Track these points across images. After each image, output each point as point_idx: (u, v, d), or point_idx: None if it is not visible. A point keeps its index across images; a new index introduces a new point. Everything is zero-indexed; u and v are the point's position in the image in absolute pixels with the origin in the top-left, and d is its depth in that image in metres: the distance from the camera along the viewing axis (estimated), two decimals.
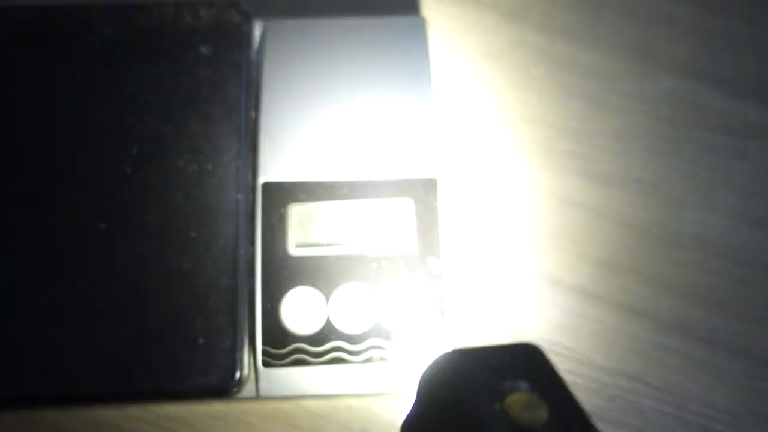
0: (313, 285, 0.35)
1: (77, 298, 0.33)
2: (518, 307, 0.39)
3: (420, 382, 0.23)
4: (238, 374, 0.33)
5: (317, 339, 0.34)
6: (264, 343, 0.34)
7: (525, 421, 0.20)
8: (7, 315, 0.33)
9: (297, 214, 0.36)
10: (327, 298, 0.35)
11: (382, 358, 0.34)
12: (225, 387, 0.33)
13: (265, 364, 0.34)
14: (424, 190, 0.36)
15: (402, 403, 0.24)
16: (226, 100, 0.37)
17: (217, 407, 0.36)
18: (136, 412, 0.36)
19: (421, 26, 0.40)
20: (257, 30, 0.40)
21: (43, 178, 0.35)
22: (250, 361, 0.34)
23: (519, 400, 0.20)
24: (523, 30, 0.45)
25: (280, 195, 0.36)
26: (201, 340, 0.33)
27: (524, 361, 0.22)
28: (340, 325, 0.34)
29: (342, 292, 0.35)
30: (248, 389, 0.34)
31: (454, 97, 0.43)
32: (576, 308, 0.39)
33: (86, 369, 0.33)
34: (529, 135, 0.42)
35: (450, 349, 0.23)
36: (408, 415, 0.24)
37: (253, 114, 0.38)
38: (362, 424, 0.36)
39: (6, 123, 0.36)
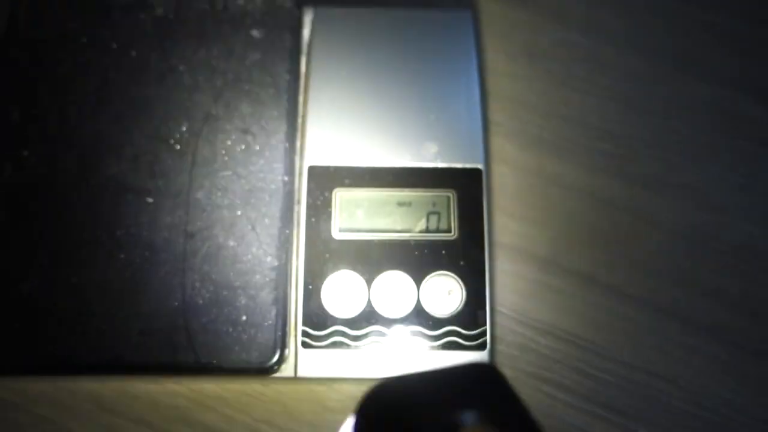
0: (355, 269, 0.35)
1: (124, 270, 0.34)
2: (552, 302, 0.39)
3: (360, 411, 0.20)
4: (279, 353, 0.33)
5: (357, 323, 0.35)
6: (304, 324, 0.35)
7: None
8: (54, 284, 0.33)
9: (342, 198, 0.36)
10: (368, 283, 0.35)
11: (418, 346, 0.35)
12: (266, 365, 0.33)
13: (305, 345, 0.34)
14: (467, 180, 0.37)
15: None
16: (275, 83, 0.38)
17: (253, 386, 0.37)
18: (173, 386, 0.37)
19: (468, 20, 0.40)
20: (308, 16, 0.40)
21: (94, 149, 0.36)
22: (289, 341, 0.34)
23: None
24: (566, 30, 0.45)
25: (326, 179, 0.37)
26: (244, 317, 0.33)
27: (476, 387, 0.20)
28: (381, 310, 0.35)
29: (383, 277, 0.35)
30: (286, 369, 0.34)
31: (497, 91, 0.43)
32: (609, 306, 0.39)
33: (130, 340, 0.33)
34: (569, 134, 0.43)
35: (393, 375, 0.20)
36: None
37: (301, 98, 0.38)
38: None
39: (62, 95, 0.37)
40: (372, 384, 0.19)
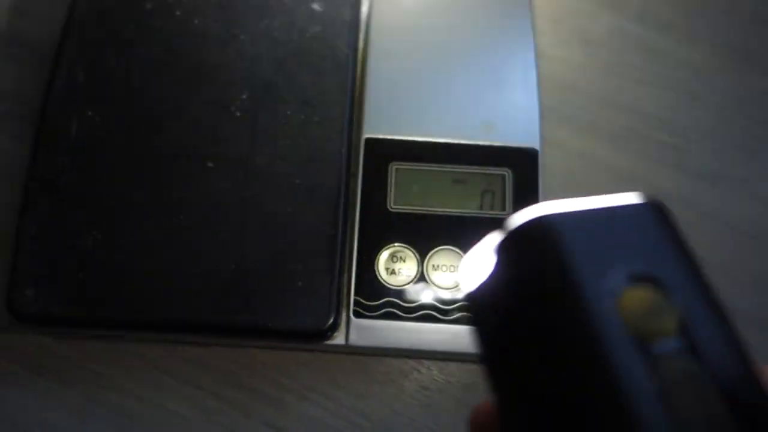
0: (410, 243, 0.36)
1: (182, 232, 0.34)
2: None
3: (504, 244, 0.17)
4: (332, 319, 0.33)
5: (410, 295, 0.35)
6: (357, 293, 0.35)
7: (645, 331, 0.14)
8: (113, 242, 0.34)
9: (397, 172, 0.37)
10: (422, 256, 0.35)
11: (470, 321, 0.35)
12: (319, 330, 0.33)
13: (356, 314, 0.35)
14: (523, 160, 0.37)
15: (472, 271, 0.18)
16: (334, 56, 0.38)
17: (303, 354, 0.37)
18: (223, 351, 0.37)
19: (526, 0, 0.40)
20: None
21: (156, 113, 0.36)
22: (341, 310, 0.35)
23: (640, 300, 0.15)
24: (621, 18, 0.45)
25: (382, 152, 0.37)
26: (299, 283, 0.34)
27: (645, 233, 0.16)
28: (433, 285, 0.35)
29: (437, 252, 0.35)
30: (338, 337, 0.35)
31: (549, 76, 0.43)
32: None
33: (186, 300, 0.33)
34: (622, 122, 0.42)
35: (544, 207, 0.17)
36: (478, 288, 0.17)
37: (359, 71, 0.39)
38: (441, 384, 0.37)
39: (126, 59, 0.37)
40: (522, 216, 0.17)
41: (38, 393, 0.37)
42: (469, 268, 0.17)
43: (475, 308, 0.18)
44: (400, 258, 0.35)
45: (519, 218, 0.16)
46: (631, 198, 0.16)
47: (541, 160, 0.37)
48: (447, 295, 0.35)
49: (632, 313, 0.15)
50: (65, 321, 0.33)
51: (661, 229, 0.16)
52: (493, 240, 0.17)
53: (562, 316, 0.15)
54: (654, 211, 0.16)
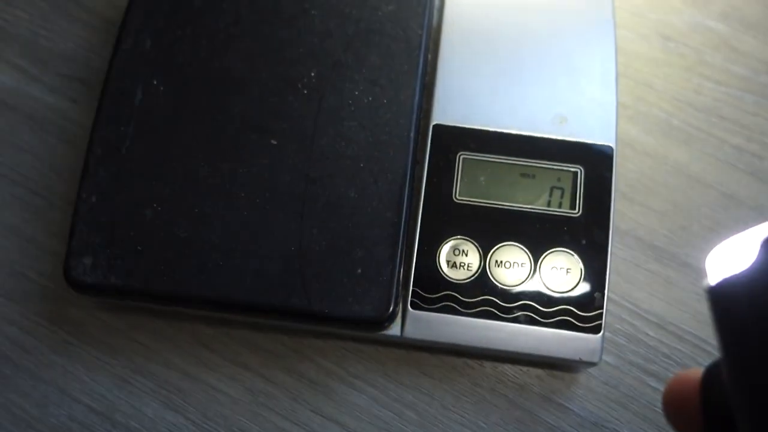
0: (473, 236, 0.34)
1: (243, 209, 0.34)
2: (665, 294, 0.37)
3: None
4: (391, 309, 0.32)
5: (470, 290, 0.34)
6: (416, 285, 0.34)
7: None
8: (174, 215, 0.33)
9: (465, 163, 0.35)
10: (486, 251, 0.34)
11: (531, 322, 0.33)
12: (376, 320, 0.32)
13: (414, 306, 0.34)
14: (597, 157, 0.35)
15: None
16: (407, 37, 0.37)
17: (353, 342, 0.36)
18: (273, 334, 0.36)
19: None
20: None
21: (222, 85, 0.35)
22: (399, 300, 0.34)
23: None
24: (704, 15, 0.43)
25: (450, 140, 0.36)
26: (359, 270, 0.33)
27: None
28: (495, 281, 0.34)
29: (501, 247, 0.34)
30: (393, 328, 0.34)
31: (625, 71, 0.41)
32: None
33: (243, 279, 0.33)
34: (698, 123, 0.41)
35: None
36: (734, 278, 0.17)
37: (431, 56, 0.37)
38: (492, 383, 0.36)
39: (193, 29, 0.36)
40: None
41: (86, 362, 0.36)
42: (721, 259, 0.17)
43: (723, 302, 0.17)
44: (463, 251, 0.34)
45: None
46: None
47: (615, 159, 0.35)
48: (509, 293, 0.34)
49: None
50: (120, 292, 0.33)
51: None
52: (761, 232, 0.17)
53: None
54: None
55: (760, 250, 0.16)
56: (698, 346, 0.37)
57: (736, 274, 0.17)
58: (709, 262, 0.18)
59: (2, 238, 0.38)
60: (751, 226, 0.38)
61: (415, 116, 0.35)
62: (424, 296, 0.34)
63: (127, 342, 0.37)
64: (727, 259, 0.17)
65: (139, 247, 0.33)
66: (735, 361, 0.17)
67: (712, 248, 0.38)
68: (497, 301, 0.34)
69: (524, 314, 0.34)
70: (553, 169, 0.35)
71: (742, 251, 0.17)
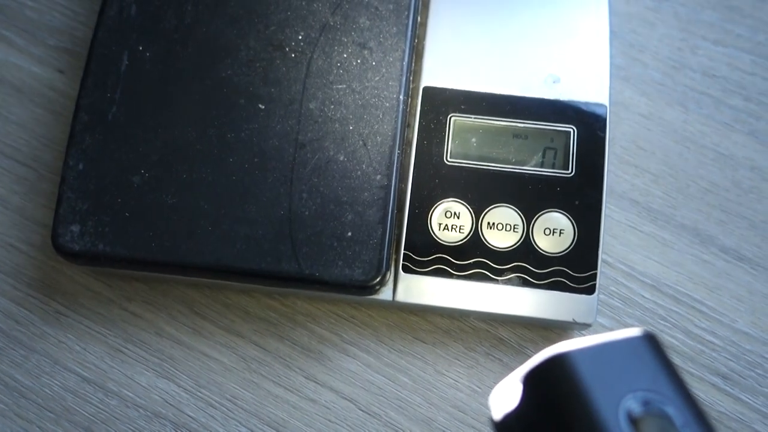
0: (465, 198, 0.34)
1: (232, 174, 0.33)
2: (661, 256, 0.37)
3: (530, 377, 0.20)
4: (381, 273, 0.32)
5: (462, 252, 0.33)
6: (407, 248, 0.34)
7: None
8: (162, 181, 0.33)
9: (456, 124, 0.35)
10: (478, 213, 0.34)
11: (524, 283, 0.33)
12: (368, 283, 0.32)
13: (405, 269, 0.33)
14: (591, 117, 0.35)
15: (503, 394, 0.20)
16: None
17: (346, 308, 0.36)
18: (265, 301, 0.36)
19: None
20: None
21: (208, 50, 0.35)
22: (390, 264, 0.34)
23: (652, 426, 0.18)
24: None
25: (441, 102, 0.35)
26: (349, 233, 0.32)
27: (643, 363, 0.20)
28: (488, 243, 0.33)
29: (493, 209, 0.34)
30: (385, 292, 0.34)
31: (618, 32, 0.40)
32: (722, 267, 0.37)
33: (234, 244, 0.32)
34: (694, 84, 0.40)
35: (563, 347, 0.20)
36: (509, 414, 0.20)
37: (420, 17, 0.37)
38: (487, 347, 0.36)
39: (179, 5, 0.36)
40: (544, 354, 0.20)
41: (78, 332, 0.36)
42: (498, 399, 0.20)
43: None
44: (455, 214, 0.34)
45: (542, 355, 0.20)
46: (630, 332, 0.20)
47: (609, 118, 0.35)
48: (502, 255, 0.33)
49: None
50: (109, 259, 0.33)
51: (656, 357, 0.20)
52: (520, 373, 0.20)
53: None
54: (649, 342, 0.20)
55: (522, 389, 0.20)
56: (694, 308, 0.36)
57: (511, 410, 0.20)
58: (492, 398, 0.21)
59: None
60: (747, 189, 0.38)
61: (404, 78, 0.35)
62: (416, 259, 0.34)
63: (119, 311, 0.36)
64: (506, 396, 0.20)
65: (127, 214, 0.33)
66: None
67: (709, 210, 0.38)
68: (490, 263, 0.33)
69: (517, 276, 0.33)
70: (545, 129, 0.35)
71: (514, 389, 0.20)
